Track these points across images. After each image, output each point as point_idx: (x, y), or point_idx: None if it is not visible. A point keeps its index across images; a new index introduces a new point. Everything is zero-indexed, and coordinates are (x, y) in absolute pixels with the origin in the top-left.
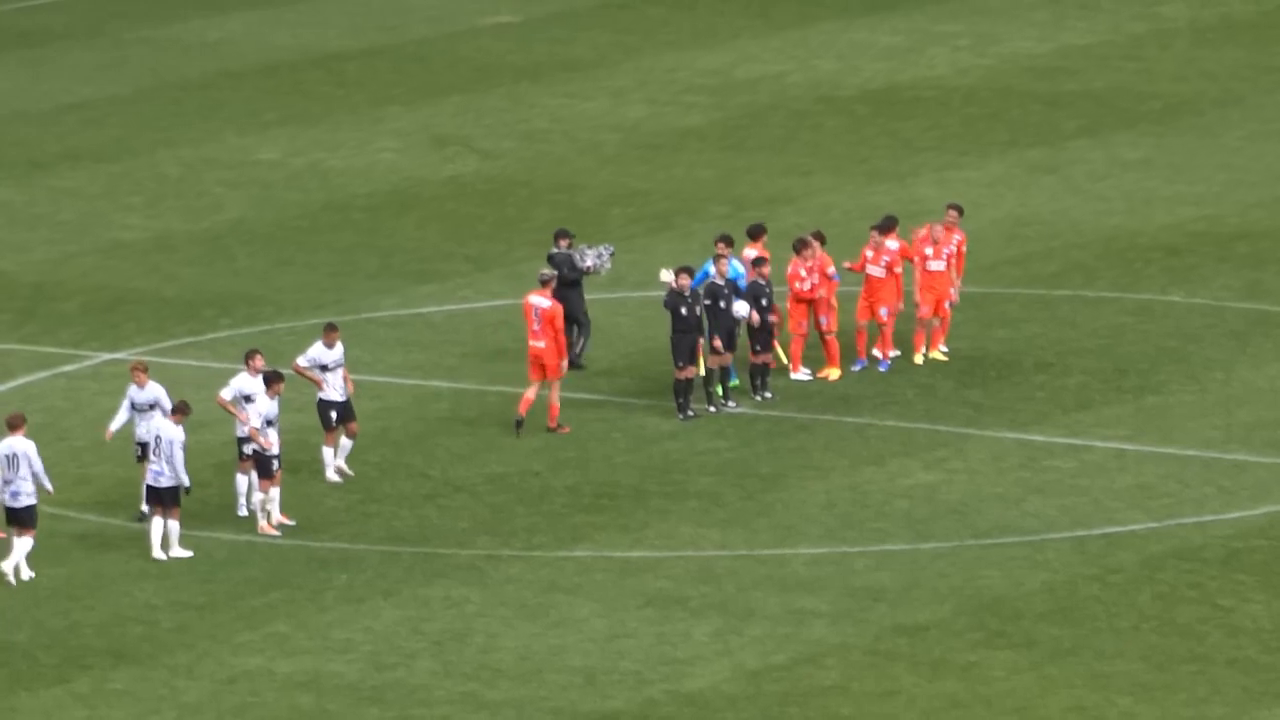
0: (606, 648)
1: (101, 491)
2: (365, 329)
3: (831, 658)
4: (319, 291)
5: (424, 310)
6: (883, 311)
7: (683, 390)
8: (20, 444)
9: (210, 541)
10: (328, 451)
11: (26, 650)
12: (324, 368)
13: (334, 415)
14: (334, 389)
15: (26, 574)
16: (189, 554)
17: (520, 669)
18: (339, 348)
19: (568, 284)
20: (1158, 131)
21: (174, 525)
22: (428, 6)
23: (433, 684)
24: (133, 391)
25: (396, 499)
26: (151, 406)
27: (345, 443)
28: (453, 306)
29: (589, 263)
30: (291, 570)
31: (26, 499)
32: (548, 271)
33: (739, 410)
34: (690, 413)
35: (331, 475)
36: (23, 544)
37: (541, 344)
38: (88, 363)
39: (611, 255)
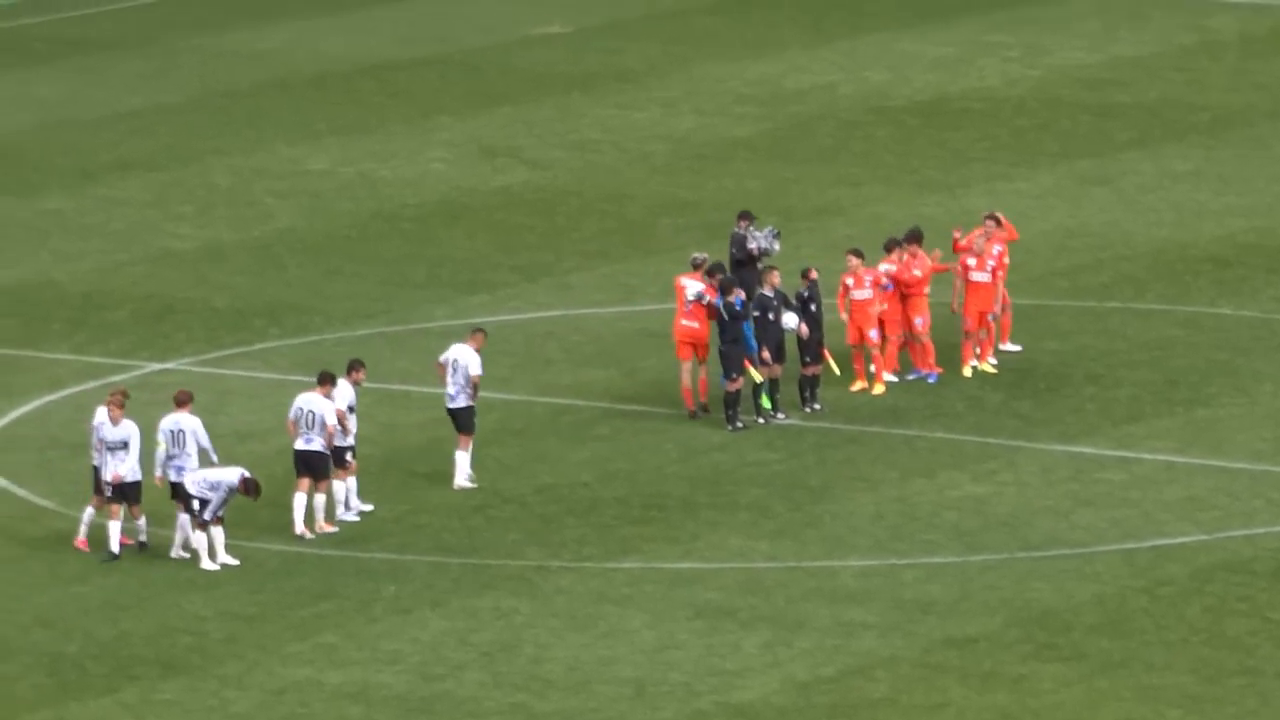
0: (656, 659)
1: (151, 502)
2: (415, 340)
3: (881, 670)
4: (369, 301)
5: (473, 320)
6: (918, 321)
7: (732, 402)
8: (187, 420)
9: (260, 552)
10: (463, 457)
11: (76, 660)
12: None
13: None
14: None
15: (181, 553)
16: (236, 563)
17: (569, 680)
18: None
19: (740, 263)
20: (1208, 143)
21: (218, 534)
22: (478, 16)
23: (481, 695)
24: (105, 428)
25: (445, 510)
26: (124, 445)
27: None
28: (503, 317)
29: (753, 244)
30: (340, 581)
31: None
32: (699, 255)
33: (788, 422)
34: (740, 424)
35: (464, 481)
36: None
37: (695, 324)
38: (137, 372)
39: (776, 236)
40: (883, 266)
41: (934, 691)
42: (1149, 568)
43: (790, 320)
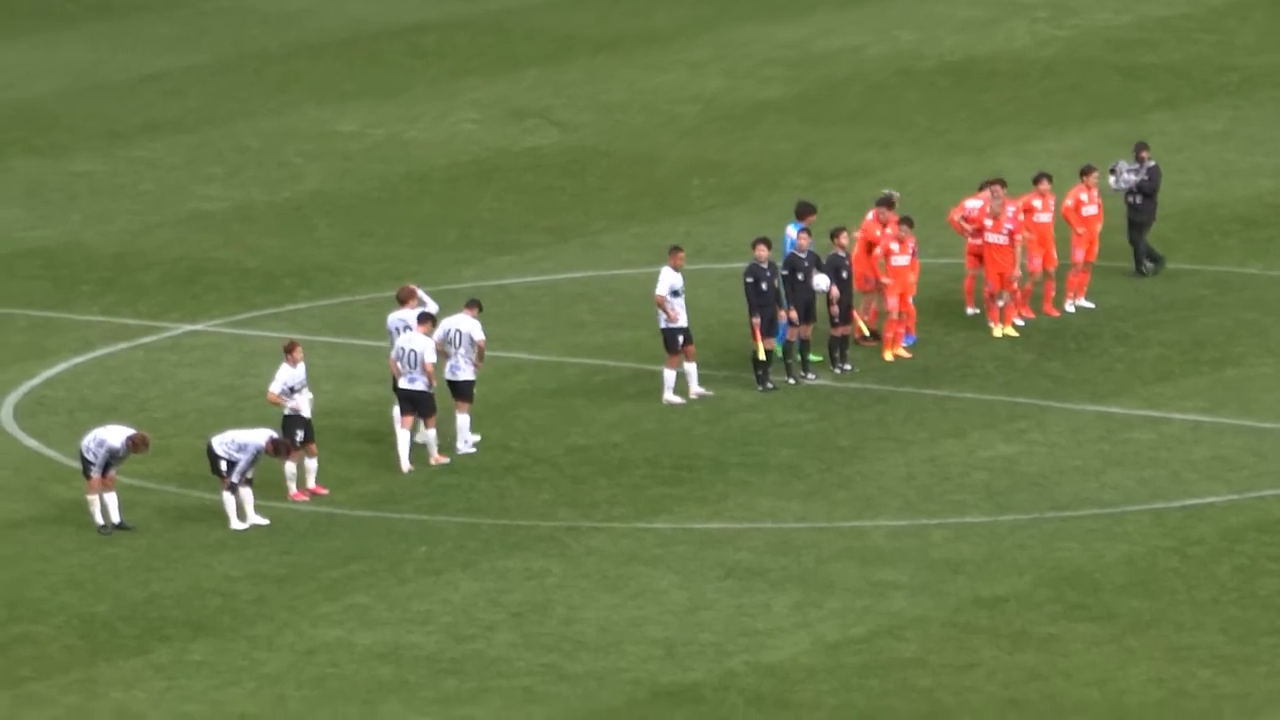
0: (686, 619)
1: (181, 463)
2: (444, 300)
3: (911, 630)
4: (399, 262)
5: (503, 281)
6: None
7: (761, 362)
8: (408, 314)
9: (290, 513)
10: (670, 374)
11: (106, 621)
12: (676, 293)
13: (681, 339)
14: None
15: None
16: (266, 523)
17: (600, 640)
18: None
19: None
20: (1236, 104)
21: (247, 494)
22: None
23: (512, 655)
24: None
25: (476, 471)
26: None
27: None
28: (532, 278)
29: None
30: (371, 542)
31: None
32: (887, 191)
33: (818, 382)
34: (770, 385)
35: (672, 396)
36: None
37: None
38: (167, 334)
39: (1122, 167)
40: (969, 203)
41: (964, 651)
42: (1179, 527)
43: (821, 282)
